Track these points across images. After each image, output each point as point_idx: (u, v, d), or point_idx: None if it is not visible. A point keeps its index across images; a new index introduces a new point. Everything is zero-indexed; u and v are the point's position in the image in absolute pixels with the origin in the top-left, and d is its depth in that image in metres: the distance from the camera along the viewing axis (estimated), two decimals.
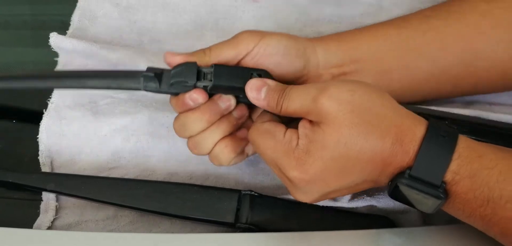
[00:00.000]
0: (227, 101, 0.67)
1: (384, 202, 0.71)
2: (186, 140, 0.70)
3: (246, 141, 0.70)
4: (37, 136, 0.78)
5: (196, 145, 0.69)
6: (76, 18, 0.88)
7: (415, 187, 0.58)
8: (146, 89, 0.68)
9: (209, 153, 0.69)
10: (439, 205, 0.59)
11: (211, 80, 0.66)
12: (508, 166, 0.57)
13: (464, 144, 0.58)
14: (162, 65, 0.79)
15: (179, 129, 0.69)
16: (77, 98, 0.80)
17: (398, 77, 0.72)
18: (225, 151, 0.69)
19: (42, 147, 0.78)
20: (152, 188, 0.73)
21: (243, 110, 0.69)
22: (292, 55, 0.69)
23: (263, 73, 0.67)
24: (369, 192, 0.72)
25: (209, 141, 0.68)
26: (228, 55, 0.68)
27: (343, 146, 0.58)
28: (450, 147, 0.58)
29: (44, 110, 0.79)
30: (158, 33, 0.88)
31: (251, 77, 0.66)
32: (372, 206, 0.72)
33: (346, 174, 0.60)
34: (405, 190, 0.59)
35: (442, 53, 0.71)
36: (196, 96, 0.66)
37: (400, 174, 0.59)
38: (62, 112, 0.79)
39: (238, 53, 0.68)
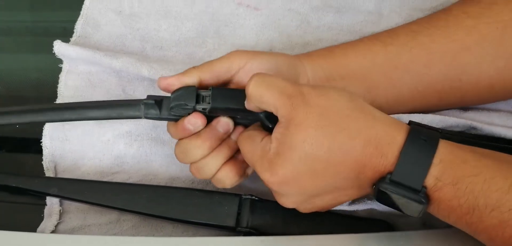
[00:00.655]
0: (226, 125, 0.68)
1: (384, 206, 0.72)
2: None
3: (246, 163, 0.71)
4: (41, 141, 0.79)
5: (199, 170, 0.69)
6: (79, 26, 0.89)
7: (396, 192, 0.58)
8: (146, 116, 0.69)
9: (212, 177, 0.70)
10: (423, 210, 0.59)
11: (209, 103, 0.67)
12: (492, 173, 0.57)
13: (446, 149, 0.59)
14: (164, 73, 0.80)
15: (181, 155, 0.70)
16: None
17: (384, 93, 0.73)
18: (230, 175, 0.70)
19: (45, 151, 0.79)
20: (155, 193, 0.74)
21: (240, 132, 0.69)
22: (283, 72, 0.70)
23: None
24: (369, 195, 0.72)
25: (212, 166, 0.69)
26: (220, 69, 0.69)
27: (310, 146, 0.59)
28: (430, 152, 0.58)
29: None
30: (160, 41, 0.88)
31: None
32: (372, 210, 0.72)
33: (318, 176, 0.60)
34: (387, 194, 0.59)
35: (428, 69, 0.72)
36: (194, 120, 0.67)
37: (381, 179, 0.59)
38: None
39: (230, 68, 0.69)
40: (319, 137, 0.59)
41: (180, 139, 0.70)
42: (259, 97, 0.62)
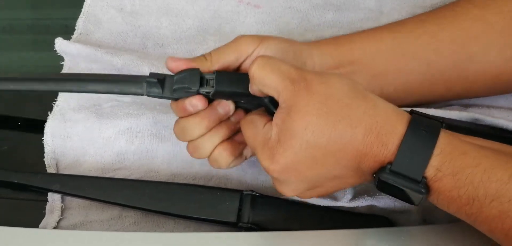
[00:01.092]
0: (226, 106, 0.68)
1: (384, 202, 0.72)
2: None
3: (244, 144, 0.71)
4: (42, 138, 0.80)
5: (196, 149, 0.70)
6: (81, 23, 0.89)
7: (396, 182, 0.58)
8: (149, 94, 0.69)
9: (208, 157, 0.70)
10: (422, 199, 0.59)
11: (213, 87, 0.67)
12: (491, 163, 0.57)
13: (446, 140, 0.58)
14: (165, 69, 0.80)
15: (179, 132, 0.70)
16: (82, 101, 0.82)
17: (392, 80, 0.74)
18: (224, 154, 0.69)
19: (47, 149, 0.79)
20: (156, 189, 0.74)
21: (240, 115, 0.70)
22: (290, 58, 0.70)
23: None
24: (370, 192, 0.73)
25: (208, 145, 0.69)
26: (229, 58, 0.69)
27: (311, 133, 0.59)
28: (431, 143, 0.58)
29: (49, 112, 0.80)
30: (161, 38, 0.89)
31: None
32: (372, 206, 0.73)
33: (319, 164, 0.61)
34: (388, 184, 0.59)
35: (436, 56, 0.73)
36: (196, 102, 0.67)
37: (382, 169, 0.59)
38: (66, 115, 0.80)
39: (239, 56, 0.69)
40: (321, 124, 0.59)
41: (180, 117, 0.70)
42: (262, 80, 0.62)
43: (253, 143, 0.64)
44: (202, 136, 0.69)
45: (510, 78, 0.72)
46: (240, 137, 0.71)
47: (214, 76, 0.67)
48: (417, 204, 0.60)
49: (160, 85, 0.68)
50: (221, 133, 0.69)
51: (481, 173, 0.56)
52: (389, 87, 0.74)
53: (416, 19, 0.76)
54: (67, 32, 0.88)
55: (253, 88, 0.64)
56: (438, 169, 0.57)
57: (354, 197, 0.73)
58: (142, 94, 0.69)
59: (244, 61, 0.69)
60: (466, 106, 0.78)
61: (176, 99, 0.68)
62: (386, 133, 0.59)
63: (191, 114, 0.68)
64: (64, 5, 0.97)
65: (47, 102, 0.82)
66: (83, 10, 0.91)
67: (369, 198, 0.72)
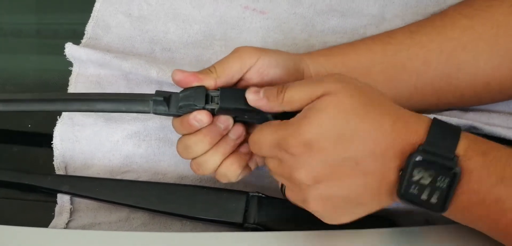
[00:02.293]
0: (225, 121, 0.68)
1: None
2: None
3: (249, 154, 0.72)
4: (52, 142, 0.81)
5: (199, 166, 0.70)
6: (90, 28, 0.90)
7: (428, 164, 0.58)
8: (155, 112, 0.70)
9: (213, 172, 0.71)
10: (455, 181, 0.58)
11: (218, 103, 0.67)
12: (510, 151, 0.59)
13: (468, 134, 0.61)
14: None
15: (182, 150, 0.70)
16: None
17: (383, 91, 0.74)
18: (232, 168, 0.70)
19: (56, 152, 0.80)
20: (164, 190, 0.75)
21: (239, 130, 0.70)
22: (290, 69, 0.71)
23: None
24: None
25: (212, 161, 0.70)
26: (233, 68, 0.69)
27: (343, 111, 0.60)
28: (456, 131, 0.60)
29: (58, 117, 0.81)
30: (169, 43, 0.90)
31: None
32: None
33: (344, 143, 0.59)
34: (418, 172, 0.59)
35: (425, 67, 0.74)
36: (200, 117, 0.67)
37: (412, 153, 0.59)
38: (75, 119, 0.81)
39: (242, 66, 0.69)
40: (354, 106, 0.60)
41: (183, 135, 0.70)
42: (308, 94, 0.62)
43: (271, 135, 0.63)
44: (205, 153, 0.69)
45: (499, 85, 0.74)
46: (245, 148, 0.71)
47: (218, 93, 0.68)
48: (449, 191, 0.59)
49: (166, 103, 0.69)
50: (223, 148, 0.70)
51: (507, 156, 0.59)
52: None
53: (405, 30, 0.77)
54: (76, 37, 0.89)
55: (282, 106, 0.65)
56: (467, 148, 0.59)
57: None
58: (148, 112, 0.70)
59: (248, 71, 0.70)
60: (466, 110, 0.79)
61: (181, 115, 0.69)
62: (413, 122, 0.60)
63: (193, 132, 0.69)
64: (73, 10, 0.98)
65: None
66: (92, 15, 0.92)
67: None
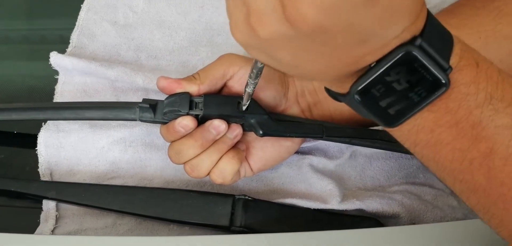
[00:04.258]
0: (218, 127, 0.69)
1: (373, 206, 0.73)
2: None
3: (244, 153, 0.73)
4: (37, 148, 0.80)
5: (193, 168, 0.70)
6: (75, 37, 0.91)
7: (415, 67, 0.46)
8: (141, 119, 0.72)
9: (207, 173, 0.71)
10: (426, 103, 0.48)
11: (202, 109, 0.69)
12: (501, 69, 0.50)
13: (459, 38, 0.50)
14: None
15: (174, 156, 0.71)
16: None
17: None
18: (233, 162, 0.70)
19: (41, 158, 0.80)
20: (150, 194, 0.75)
21: (236, 129, 0.70)
22: (275, 81, 0.72)
23: (250, 101, 0.68)
24: (359, 196, 0.74)
25: (207, 162, 0.70)
26: (216, 75, 0.70)
27: None
28: (449, 35, 0.49)
29: (43, 123, 0.81)
30: (155, 50, 0.90)
31: (238, 105, 0.69)
32: (361, 210, 0.73)
33: None
34: (395, 73, 0.46)
35: None
36: (185, 122, 0.68)
37: (409, 41, 0.46)
38: (60, 125, 0.81)
39: (225, 73, 0.70)
40: None
41: (172, 141, 0.71)
42: None
43: None
44: (198, 155, 0.70)
45: None
46: (242, 146, 0.72)
47: (202, 99, 0.69)
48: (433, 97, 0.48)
49: (152, 110, 0.70)
50: (219, 148, 0.70)
51: (497, 72, 0.49)
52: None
53: None
54: (63, 42, 0.90)
55: None
56: (461, 56, 0.48)
57: (343, 200, 0.74)
58: (135, 120, 0.72)
59: (231, 78, 0.71)
60: None
61: (166, 123, 0.70)
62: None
63: (183, 137, 0.69)
64: (59, 15, 0.98)
65: None
66: (77, 23, 0.92)
67: (358, 201, 0.73)
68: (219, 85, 0.71)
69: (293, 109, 0.74)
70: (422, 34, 0.46)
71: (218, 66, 0.71)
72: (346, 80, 0.49)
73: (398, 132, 0.51)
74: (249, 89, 0.65)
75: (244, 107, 0.68)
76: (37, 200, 0.76)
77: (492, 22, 0.71)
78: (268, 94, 0.72)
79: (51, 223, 0.75)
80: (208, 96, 0.70)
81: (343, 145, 0.79)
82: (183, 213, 0.73)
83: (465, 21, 0.72)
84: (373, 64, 0.46)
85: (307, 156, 0.79)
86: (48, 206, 0.76)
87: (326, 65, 0.47)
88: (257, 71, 0.60)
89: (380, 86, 0.47)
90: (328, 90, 0.52)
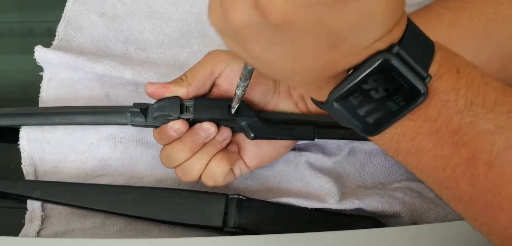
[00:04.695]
0: (207, 130, 0.68)
1: (373, 205, 0.72)
2: None
3: (236, 153, 0.72)
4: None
5: (184, 172, 0.70)
6: (61, 29, 0.88)
7: (393, 76, 0.45)
8: (132, 124, 0.71)
9: (198, 177, 0.70)
10: (405, 112, 0.47)
11: (192, 113, 0.68)
12: (483, 71, 0.49)
13: (440, 44, 0.49)
14: (148, 74, 0.79)
15: (165, 159, 0.70)
16: (62, 103, 0.81)
17: None
18: (221, 165, 0.69)
19: (24, 154, 0.78)
20: (140, 194, 0.73)
21: (226, 132, 0.70)
22: (263, 77, 0.70)
23: (240, 103, 0.67)
24: (358, 195, 0.72)
25: (197, 166, 0.69)
26: (204, 75, 0.69)
27: None
28: (430, 43, 0.48)
29: None
30: (144, 42, 0.88)
31: (228, 109, 0.68)
32: (360, 209, 0.72)
33: None
34: (373, 81, 0.45)
35: None
36: (177, 126, 0.68)
37: (386, 50, 0.44)
38: None
39: (213, 72, 0.69)
40: None
41: (164, 145, 0.70)
42: None
43: None
44: (188, 159, 0.69)
45: None
46: (233, 148, 0.71)
47: (192, 103, 0.69)
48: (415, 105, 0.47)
49: (142, 114, 0.71)
50: (208, 152, 0.69)
51: (480, 76, 0.48)
52: None
53: None
54: (50, 35, 0.87)
55: None
56: (441, 64, 0.47)
57: (341, 199, 0.72)
58: (126, 124, 0.72)
59: (218, 77, 0.69)
60: None
61: (157, 127, 0.70)
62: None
63: (175, 140, 0.69)
64: (47, 7, 0.95)
65: (25, 106, 0.81)
66: (63, 15, 0.90)
67: (357, 200, 0.72)
68: (208, 85, 0.70)
69: (286, 103, 0.72)
70: (400, 42, 0.45)
71: (205, 65, 0.70)
72: (325, 88, 0.48)
73: (380, 141, 0.51)
74: (238, 92, 0.64)
75: (233, 110, 0.68)
76: (22, 200, 0.74)
77: (493, 4, 0.69)
78: (258, 89, 0.70)
79: (36, 224, 0.73)
80: (198, 99, 0.69)
81: (342, 141, 0.78)
82: (174, 213, 0.71)
83: (465, 4, 0.70)
84: (350, 72, 0.46)
85: (304, 153, 0.77)
86: (33, 206, 0.74)
87: (297, 66, 0.46)
88: (247, 73, 0.60)
89: (358, 94, 0.47)
90: (312, 99, 0.52)
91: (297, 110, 0.72)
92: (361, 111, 0.48)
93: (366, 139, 0.69)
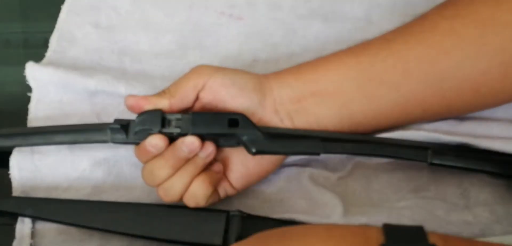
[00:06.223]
0: (191, 144, 0.66)
1: (380, 223, 0.68)
2: None
3: (220, 174, 0.70)
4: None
5: (166, 192, 0.67)
6: (54, 40, 0.86)
7: None
8: (113, 141, 0.69)
9: (181, 198, 0.68)
10: None
11: (178, 127, 0.66)
12: None
13: (435, 234, 0.51)
14: (142, 88, 0.79)
15: (147, 176, 0.68)
16: None
17: (360, 108, 0.70)
18: (203, 186, 0.67)
19: (15, 183, 0.75)
20: (137, 212, 0.71)
21: (209, 148, 0.67)
22: (248, 89, 0.69)
23: (239, 117, 0.66)
24: (365, 212, 0.70)
25: (178, 185, 0.67)
26: (187, 87, 0.68)
27: None
28: (419, 232, 0.50)
29: None
30: (139, 54, 0.86)
31: (228, 123, 0.66)
32: (367, 225, 0.68)
33: None
34: None
35: (404, 79, 0.68)
36: (155, 141, 0.65)
37: None
38: (35, 147, 0.76)
39: (196, 85, 0.68)
40: None
41: (145, 162, 0.68)
42: None
43: None
44: (169, 177, 0.67)
45: (489, 90, 0.68)
46: (217, 167, 0.69)
47: (177, 116, 0.67)
48: None
49: (124, 131, 0.68)
50: (190, 171, 0.67)
51: None
52: (358, 116, 0.70)
53: (381, 40, 0.71)
54: (46, 46, 0.86)
55: None
56: None
57: (347, 215, 0.70)
58: (107, 142, 0.69)
59: (201, 90, 0.68)
60: (461, 120, 0.74)
61: (138, 143, 0.68)
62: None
63: (156, 157, 0.67)
64: (44, 17, 0.93)
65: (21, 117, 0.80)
66: (57, 26, 0.88)
67: (364, 218, 0.69)
68: (191, 97, 0.68)
69: (271, 119, 0.70)
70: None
71: (187, 78, 0.69)
72: None
73: None
74: None
75: None
76: (12, 217, 0.72)
77: (490, 9, 0.67)
78: (241, 103, 0.68)
79: (26, 243, 0.70)
80: (196, 114, 0.67)
81: (344, 156, 0.75)
82: (173, 231, 0.69)
83: (460, 12, 0.68)
84: None
85: (306, 168, 0.75)
86: (23, 224, 0.71)
87: None
88: None
89: None
90: None
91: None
92: None
93: (374, 155, 0.68)
